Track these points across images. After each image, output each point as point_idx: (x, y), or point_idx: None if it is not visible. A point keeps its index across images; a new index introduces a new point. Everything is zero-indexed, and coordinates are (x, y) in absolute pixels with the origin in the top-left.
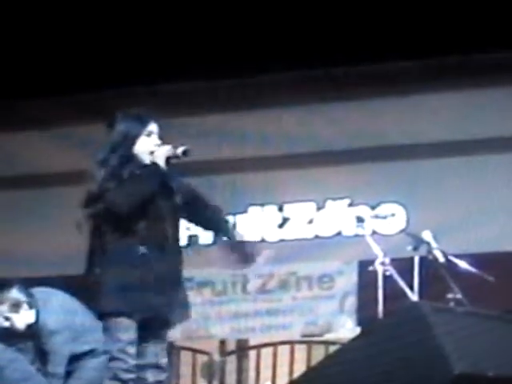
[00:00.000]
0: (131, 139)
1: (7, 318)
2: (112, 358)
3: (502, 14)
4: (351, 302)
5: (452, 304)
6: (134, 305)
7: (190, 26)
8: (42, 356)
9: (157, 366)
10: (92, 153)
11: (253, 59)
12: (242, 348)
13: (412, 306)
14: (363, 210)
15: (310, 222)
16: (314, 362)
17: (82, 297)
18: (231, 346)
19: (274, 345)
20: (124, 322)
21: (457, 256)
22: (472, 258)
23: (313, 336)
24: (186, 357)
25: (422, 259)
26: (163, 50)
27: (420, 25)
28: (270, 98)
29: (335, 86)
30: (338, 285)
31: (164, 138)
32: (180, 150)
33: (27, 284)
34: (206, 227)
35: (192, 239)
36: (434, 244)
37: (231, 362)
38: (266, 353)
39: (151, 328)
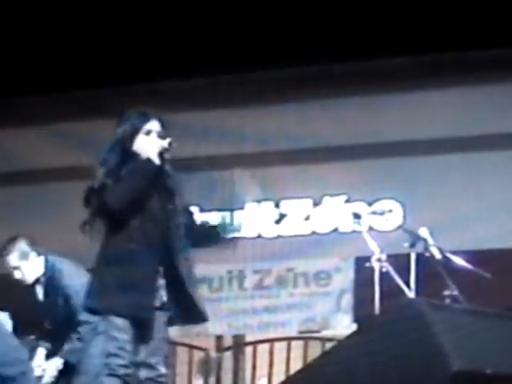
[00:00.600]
0: (129, 137)
1: (17, 268)
2: (109, 355)
3: (497, 11)
4: (348, 298)
5: (448, 301)
6: (123, 304)
7: (189, 23)
8: None
9: (148, 365)
10: (90, 150)
11: (251, 56)
12: (239, 344)
13: (409, 302)
14: (360, 207)
15: (307, 218)
16: (310, 358)
17: None
18: (228, 342)
19: (271, 341)
20: (117, 320)
21: (453, 253)
22: (469, 255)
23: (310, 332)
24: (182, 353)
25: (418, 256)
26: (163, 47)
27: (418, 22)
28: (268, 94)
29: (333, 82)
30: (335, 281)
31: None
32: (166, 142)
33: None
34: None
35: None
36: (430, 241)
37: (228, 359)
38: (263, 349)
39: (143, 327)
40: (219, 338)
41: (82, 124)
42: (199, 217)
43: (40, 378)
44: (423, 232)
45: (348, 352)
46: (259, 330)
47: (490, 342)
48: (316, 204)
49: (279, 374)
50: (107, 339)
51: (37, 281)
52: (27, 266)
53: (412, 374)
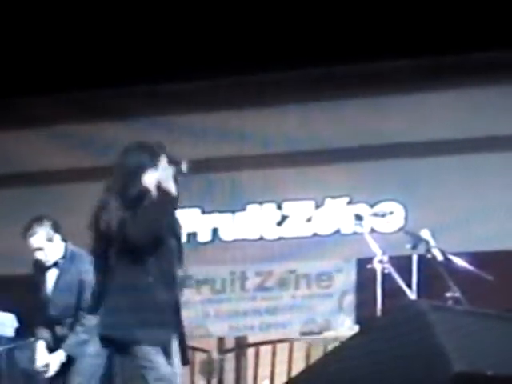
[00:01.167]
0: (140, 172)
1: (41, 249)
2: (156, 379)
3: (497, 14)
4: (350, 300)
5: (450, 302)
6: (147, 335)
7: (190, 25)
8: None
9: None
10: (90, 151)
11: (252, 58)
12: (241, 346)
13: (410, 304)
14: (362, 208)
15: (309, 220)
16: (312, 360)
17: None
18: (230, 343)
19: (273, 343)
20: (148, 349)
21: (455, 254)
22: (470, 257)
23: (311, 334)
24: None
25: (420, 257)
26: (164, 48)
27: (418, 24)
28: (269, 96)
29: (334, 84)
30: (337, 283)
31: (166, 146)
32: (184, 166)
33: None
34: None
35: (190, 237)
36: (432, 242)
37: (230, 360)
38: (265, 351)
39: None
40: (221, 340)
41: (83, 125)
42: (200, 219)
43: (43, 373)
44: (425, 234)
45: (350, 352)
46: (261, 332)
47: (491, 343)
48: (318, 206)
49: (281, 376)
50: (142, 368)
51: (55, 264)
52: (51, 247)
53: (413, 375)
